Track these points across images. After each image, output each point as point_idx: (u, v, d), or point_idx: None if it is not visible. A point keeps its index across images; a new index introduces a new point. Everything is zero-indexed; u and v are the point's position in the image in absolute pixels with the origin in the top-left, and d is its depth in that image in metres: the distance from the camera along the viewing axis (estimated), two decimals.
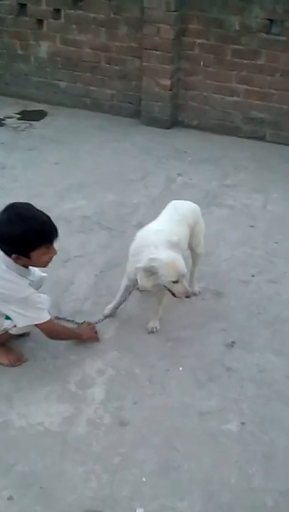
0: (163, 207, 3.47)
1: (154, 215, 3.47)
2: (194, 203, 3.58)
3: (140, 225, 4.27)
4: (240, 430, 2.83)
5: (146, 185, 5.11)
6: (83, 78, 6.69)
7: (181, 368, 3.18)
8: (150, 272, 2.93)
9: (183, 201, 3.52)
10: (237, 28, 5.77)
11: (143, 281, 3.00)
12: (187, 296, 3.05)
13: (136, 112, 6.50)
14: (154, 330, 3.40)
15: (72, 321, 3.41)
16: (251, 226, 4.52)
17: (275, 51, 5.75)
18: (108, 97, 6.66)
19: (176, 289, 3.00)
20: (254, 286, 3.82)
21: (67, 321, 3.41)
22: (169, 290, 3.05)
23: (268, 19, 5.64)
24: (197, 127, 6.37)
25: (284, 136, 6.05)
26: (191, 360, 3.23)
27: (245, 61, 5.90)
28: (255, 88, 5.99)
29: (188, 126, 6.40)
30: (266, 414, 2.92)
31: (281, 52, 5.74)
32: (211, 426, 2.85)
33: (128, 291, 3.36)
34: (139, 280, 3.01)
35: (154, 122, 6.36)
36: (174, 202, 3.46)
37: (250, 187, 5.14)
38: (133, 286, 3.28)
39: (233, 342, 3.36)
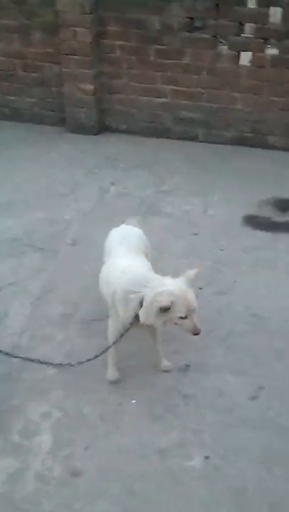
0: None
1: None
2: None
3: (75, 243, 4.00)
4: (203, 466, 2.60)
5: (78, 199, 4.79)
6: None
7: (134, 401, 2.92)
8: (167, 308, 2.61)
9: (124, 228, 3.24)
10: (158, 28, 5.55)
11: (151, 320, 2.68)
12: (196, 334, 2.72)
13: (60, 119, 6.18)
14: (170, 368, 3.08)
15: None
16: (194, 234, 4.30)
17: (199, 49, 5.58)
18: (28, 105, 6.30)
19: (186, 325, 2.69)
20: (203, 300, 3.54)
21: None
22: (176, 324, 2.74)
23: (189, 17, 5.46)
24: (126, 131, 6.10)
25: (216, 135, 5.88)
26: (144, 390, 2.97)
27: (170, 61, 5.69)
28: (182, 88, 5.79)
29: (117, 131, 6.12)
30: (230, 443, 2.69)
31: (205, 50, 5.57)
32: (173, 464, 2.60)
33: (121, 336, 2.91)
34: (147, 320, 2.68)
35: (80, 129, 6.05)
36: (117, 231, 3.20)
37: (188, 191, 4.92)
38: (126, 329, 2.84)
39: (187, 365, 3.12)
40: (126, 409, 2.86)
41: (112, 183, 5.06)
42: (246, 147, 5.75)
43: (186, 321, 2.66)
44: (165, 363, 3.08)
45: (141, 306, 2.67)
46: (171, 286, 2.62)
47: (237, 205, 4.67)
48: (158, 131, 6.00)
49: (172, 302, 2.57)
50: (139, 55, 5.73)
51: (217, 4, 5.33)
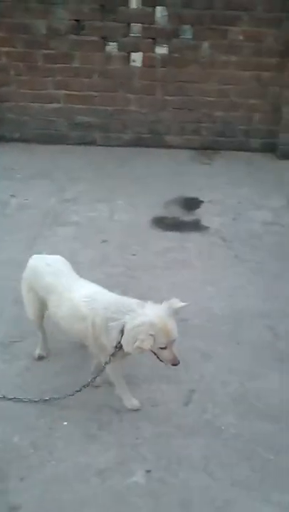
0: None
1: None
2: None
3: None
4: (147, 480, 2.51)
5: None
6: None
7: (65, 423, 2.78)
8: (150, 337, 2.45)
9: (44, 258, 3.01)
10: (44, 32, 5.42)
11: (136, 351, 2.50)
12: (174, 365, 2.57)
13: None
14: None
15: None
16: (104, 241, 4.20)
17: (87, 52, 5.52)
18: None
19: (165, 356, 2.54)
20: None
21: None
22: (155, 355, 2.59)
23: (75, 20, 5.36)
24: (20, 140, 5.90)
25: (114, 138, 5.84)
26: (74, 410, 2.83)
27: (59, 65, 5.60)
28: (74, 92, 5.71)
29: (11, 140, 5.91)
30: (170, 453, 2.62)
31: (94, 52, 5.51)
32: (114, 484, 2.49)
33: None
34: (132, 349, 2.50)
35: None
36: (43, 264, 2.93)
37: (92, 197, 4.82)
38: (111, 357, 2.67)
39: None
40: (58, 433, 2.71)
41: (13, 196, 4.85)
42: (144, 148, 5.75)
43: (165, 352, 2.52)
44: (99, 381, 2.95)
45: (122, 334, 2.52)
46: (152, 316, 2.47)
47: (144, 208, 4.64)
48: (54, 138, 5.86)
49: (152, 335, 2.44)
50: (26, 61, 5.58)
51: (102, 5, 5.27)
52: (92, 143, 5.85)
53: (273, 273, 3.86)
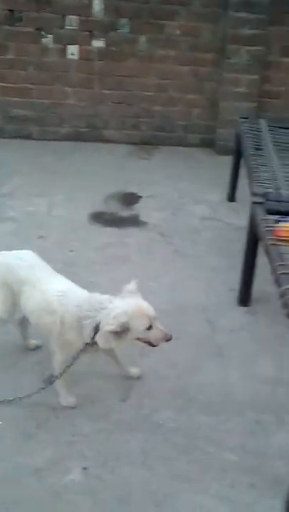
0: None
1: None
2: None
3: None
4: (84, 478, 2.46)
5: None
6: None
7: (0, 422, 2.70)
8: (123, 330, 2.42)
9: (17, 252, 2.95)
10: None
11: (112, 344, 2.48)
12: (168, 339, 2.55)
13: None
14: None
15: None
16: (41, 237, 4.13)
17: (22, 44, 5.41)
18: None
19: (153, 335, 2.52)
20: None
21: None
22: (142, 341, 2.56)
23: (9, 10, 5.25)
24: None
25: (51, 132, 5.77)
26: (10, 408, 2.76)
27: None
28: (10, 84, 5.61)
29: None
30: (109, 450, 2.59)
31: (29, 44, 5.41)
32: (52, 482, 2.44)
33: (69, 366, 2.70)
34: (107, 344, 2.48)
35: None
36: (13, 258, 2.87)
37: (30, 192, 4.73)
38: (75, 357, 2.64)
39: (51, 376, 2.95)
40: None
41: None
42: (82, 142, 5.70)
43: (152, 332, 2.51)
44: (134, 371, 2.97)
45: (96, 332, 2.49)
46: (123, 306, 2.47)
47: (82, 203, 4.60)
48: None
49: (128, 322, 2.42)
50: None
51: None
52: (28, 136, 5.76)
53: (212, 267, 3.89)
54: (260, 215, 3.14)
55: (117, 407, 2.80)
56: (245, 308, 3.50)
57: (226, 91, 5.51)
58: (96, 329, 2.50)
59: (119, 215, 4.52)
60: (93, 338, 2.52)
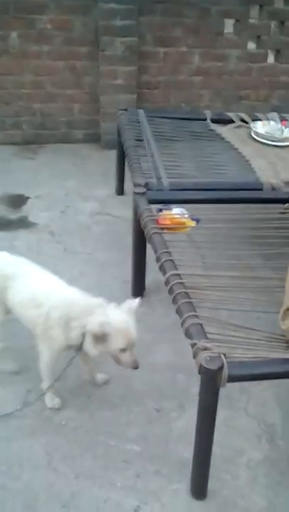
0: None
1: None
2: None
3: None
4: None
5: None
6: None
7: None
8: (100, 338, 2.40)
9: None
10: None
11: (92, 349, 2.46)
12: (135, 368, 2.51)
13: None
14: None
15: None
16: None
17: None
18: None
19: (124, 358, 2.48)
20: None
21: None
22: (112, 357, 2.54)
23: None
24: None
25: None
26: None
27: None
28: None
29: None
30: (12, 457, 2.57)
31: None
32: None
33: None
34: (87, 347, 2.47)
35: None
36: None
37: None
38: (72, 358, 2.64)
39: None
40: None
41: None
42: None
43: (125, 355, 2.48)
44: (102, 376, 2.95)
45: (83, 336, 2.48)
46: (113, 317, 2.44)
47: None
48: None
49: (110, 333, 2.40)
50: None
51: None
52: None
53: (103, 262, 3.91)
54: (143, 205, 3.19)
55: (17, 413, 2.77)
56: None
57: (105, 84, 5.51)
58: (84, 334, 2.50)
59: (7, 218, 4.43)
60: (82, 342, 2.52)
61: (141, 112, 4.59)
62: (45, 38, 5.35)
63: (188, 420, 2.69)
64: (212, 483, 2.40)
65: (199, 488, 2.38)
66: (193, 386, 2.83)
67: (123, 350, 2.50)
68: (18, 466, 2.53)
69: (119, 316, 2.50)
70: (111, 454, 2.59)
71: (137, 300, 2.59)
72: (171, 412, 2.81)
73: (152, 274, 3.48)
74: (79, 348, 2.56)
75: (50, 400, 2.82)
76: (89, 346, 2.50)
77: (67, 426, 2.72)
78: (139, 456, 2.58)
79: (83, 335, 2.50)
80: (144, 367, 2.96)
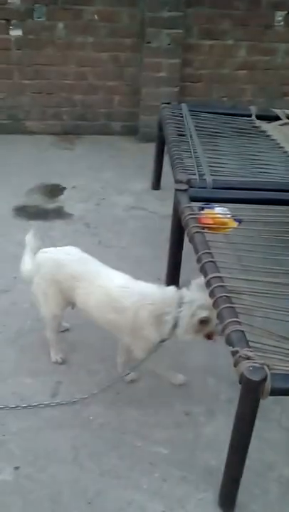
0: None
1: None
2: None
3: None
4: (15, 477, 2.42)
5: None
6: None
7: None
8: (205, 321, 2.48)
9: (61, 248, 2.92)
10: None
11: (191, 335, 2.55)
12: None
13: None
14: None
15: None
16: None
17: None
18: None
19: (216, 329, 2.51)
20: None
21: None
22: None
23: None
24: None
25: None
26: None
27: None
28: None
29: None
30: (39, 448, 2.55)
31: None
32: None
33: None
34: (185, 334, 2.53)
35: None
36: (58, 253, 2.87)
37: None
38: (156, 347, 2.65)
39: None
40: None
41: None
42: (3, 135, 5.52)
43: (216, 327, 2.51)
44: (131, 375, 2.92)
45: (175, 326, 2.52)
46: (203, 299, 2.49)
47: (5, 197, 4.49)
48: None
49: (211, 314, 2.44)
50: None
51: None
52: None
53: (137, 257, 3.87)
54: (184, 202, 3.12)
55: (48, 403, 2.75)
56: None
57: (147, 76, 5.46)
58: (175, 324, 2.53)
59: (44, 207, 4.43)
60: (171, 332, 2.55)
61: (184, 106, 4.51)
62: (91, 29, 5.32)
63: (216, 427, 2.63)
64: (241, 496, 2.32)
65: (228, 500, 2.30)
66: (224, 392, 2.80)
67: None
68: (44, 458, 2.51)
69: (203, 295, 2.51)
70: (137, 454, 2.54)
71: (201, 277, 2.58)
72: (200, 417, 2.75)
73: (185, 274, 3.41)
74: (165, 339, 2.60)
75: (174, 377, 2.88)
76: (187, 333, 2.53)
77: (94, 422, 2.69)
78: (166, 459, 2.53)
79: (175, 325, 2.53)
80: (175, 367, 2.93)
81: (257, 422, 2.57)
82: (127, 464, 2.49)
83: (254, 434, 2.47)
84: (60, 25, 5.27)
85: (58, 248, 2.93)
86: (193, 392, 2.88)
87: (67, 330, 3.17)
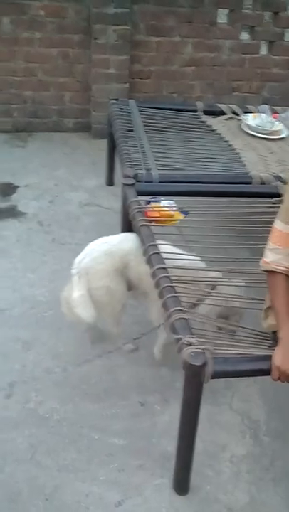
0: None
1: None
2: None
3: None
4: None
5: None
6: None
7: None
8: None
9: (121, 236, 3.00)
10: None
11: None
12: None
13: None
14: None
15: None
16: None
17: None
18: None
19: None
20: None
21: None
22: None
23: None
24: None
25: None
26: None
27: None
28: None
29: None
30: None
31: None
32: None
33: None
34: None
35: None
36: (127, 241, 2.92)
37: None
38: None
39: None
40: None
41: None
42: None
43: None
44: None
45: None
46: None
47: None
48: None
49: None
50: None
51: None
52: None
53: None
54: (131, 196, 3.16)
55: (1, 404, 2.76)
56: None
57: (97, 73, 5.45)
58: None
59: None
60: None
61: (132, 102, 4.55)
62: (38, 24, 5.28)
63: (172, 415, 2.68)
64: (195, 479, 2.40)
65: (182, 484, 2.38)
66: (178, 380, 2.84)
67: None
68: (1, 458, 2.52)
69: None
70: (95, 447, 2.58)
71: None
72: (155, 406, 2.81)
73: None
74: None
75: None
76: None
77: (51, 418, 2.72)
78: (123, 450, 2.58)
79: None
80: (129, 360, 2.98)
81: (209, 407, 2.66)
82: (84, 458, 2.53)
83: (206, 417, 2.55)
84: (6, 20, 5.20)
85: (116, 236, 3.00)
86: (148, 383, 2.93)
87: None
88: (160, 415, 2.76)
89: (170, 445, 2.50)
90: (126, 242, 2.88)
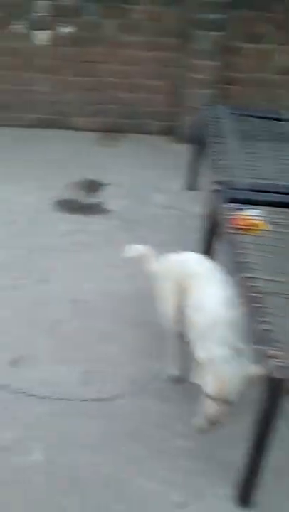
0: None
1: None
2: None
3: None
4: (43, 459, 2.55)
5: None
6: None
7: None
8: None
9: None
10: None
11: None
12: None
13: None
14: None
15: None
16: (9, 223, 4.21)
17: None
18: None
19: None
20: (23, 291, 3.53)
21: None
22: None
23: None
24: None
25: (15, 119, 5.70)
26: None
27: None
28: None
29: None
30: (64, 432, 2.68)
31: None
32: (14, 462, 2.53)
33: None
34: None
35: None
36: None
37: None
38: None
39: (15, 359, 3.03)
40: None
41: None
42: (49, 129, 5.66)
43: None
44: None
45: None
46: None
47: (48, 191, 4.61)
48: None
49: None
50: None
51: None
52: None
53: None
54: (219, 203, 3.19)
55: (77, 392, 2.87)
56: None
57: (189, 77, 5.48)
58: None
59: (84, 202, 4.55)
60: None
61: (224, 108, 4.56)
62: (137, 28, 5.39)
63: (238, 423, 2.69)
64: (259, 494, 2.38)
65: (245, 497, 2.37)
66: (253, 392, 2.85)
67: None
68: (68, 441, 2.64)
69: None
70: (160, 446, 2.64)
71: None
72: None
73: None
74: None
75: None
76: None
77: (121, 411, 2.80)
78: (188, 453, 2.61)
79: None
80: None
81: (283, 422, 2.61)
82: (149, 455, 2.60)
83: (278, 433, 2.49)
84: (110, 23, 5.35)
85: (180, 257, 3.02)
86: None
87: None
88: (228, 424, 2.76)
89: (237, 455, 2.51)
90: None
